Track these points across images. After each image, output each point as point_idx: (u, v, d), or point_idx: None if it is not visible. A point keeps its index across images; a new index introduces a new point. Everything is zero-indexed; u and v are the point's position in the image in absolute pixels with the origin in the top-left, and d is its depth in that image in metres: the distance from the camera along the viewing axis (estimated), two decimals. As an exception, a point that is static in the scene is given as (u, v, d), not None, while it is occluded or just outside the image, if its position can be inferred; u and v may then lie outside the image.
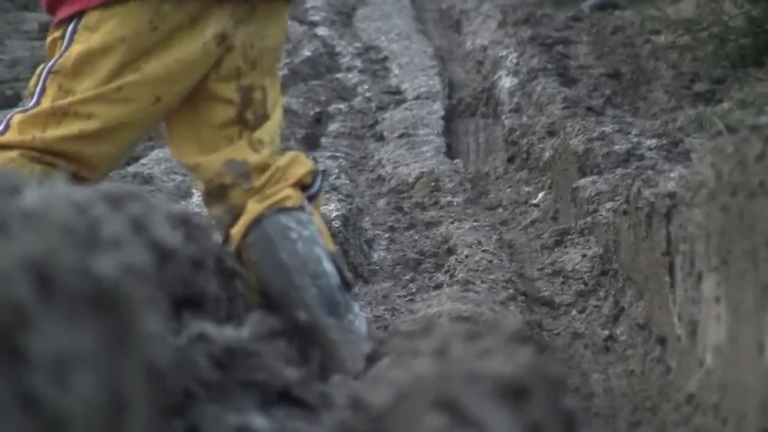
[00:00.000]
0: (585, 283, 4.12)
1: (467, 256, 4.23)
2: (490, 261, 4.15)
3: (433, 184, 5.56)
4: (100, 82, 2.68)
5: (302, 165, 2.90)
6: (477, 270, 4.03)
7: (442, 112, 6.97)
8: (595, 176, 4.76)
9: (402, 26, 9.56)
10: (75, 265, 0.97)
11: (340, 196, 4.96)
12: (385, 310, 4.04)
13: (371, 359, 1.54)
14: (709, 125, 5.39)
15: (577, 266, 4.27)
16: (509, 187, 5.80)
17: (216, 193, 2.83)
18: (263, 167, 2.82)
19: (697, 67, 6.70)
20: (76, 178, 2.66)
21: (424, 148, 6.20)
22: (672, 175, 3.43)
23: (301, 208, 2.84)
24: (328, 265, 2.80)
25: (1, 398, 0.88)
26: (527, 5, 8.96)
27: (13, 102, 6.23)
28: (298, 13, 9.80)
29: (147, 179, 5.05)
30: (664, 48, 7.16)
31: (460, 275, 3.99)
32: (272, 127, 2.87)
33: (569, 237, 4.64)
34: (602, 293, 3.96)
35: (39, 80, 2.73)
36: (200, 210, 4.38)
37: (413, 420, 1.19)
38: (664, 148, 4.95)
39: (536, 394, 1.22)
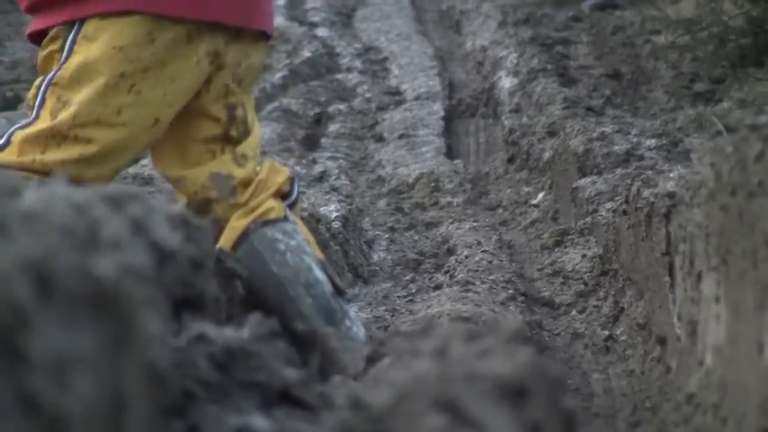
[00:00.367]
0: (585, 284, 4.12)
1: (467, 257, 4.23)
2: (490, 261, 4.15)
3: (432, 184, 5.56)
4: (97, 92, 2.68)
5: (279, 173, 2.92)
6: (476, 270, 4.03)
7: (442, 113, 6.97)
8: (595, 176, 4.76)
9: (402, 27, 9.56)
10: (75, 266, 0.97)
11: (340, 197, 4.96)
12: (385, 310, 4.04)
13: (371, 360, 1.54)
14: (709, 125, 5.39)
15: (577, 267, 4.27)
16: (509, 188, 5.80)
17: (199, 207, 2.83)
18: (247, 182, 2.84)
19: (697, 67, 6.69)
20: None
21: (424, 149, 6.20)
22: (671, 174, 3.43)
23: (285, 218, 2.85)
24: (319, 273, 2.81)
25: (1, 399, 0.88)
26: (527, 6, 8.95)
27: (13, 104, 6.22)
28: (298, 13, 9.80)
29: (148, 180, 5.05)
30: (663, 48, 7.16)
31: (460, 276, 3.99)
32: (254, 141, 2.90)
33: (569, 237, 4.64)
34: (601, 293, 3.96)
35: (38, 92, 2.74)
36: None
37: (413, 421, 1.19)
38: (663, 148, 4.95)
39: (536, 394, 1.22)
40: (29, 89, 2.83)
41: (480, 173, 6.18)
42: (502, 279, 3.96)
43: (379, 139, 6.61)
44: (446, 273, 4.22)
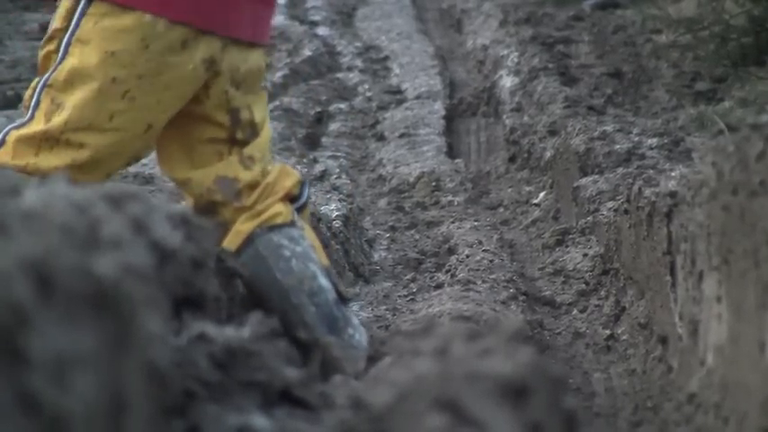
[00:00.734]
0: (587, 283, 4.12)
1: (468, 256, 4.23)
2: (491, 261, 4.15)
3: (433, 183, 5.56)
4: (89, 96, 2.67)
5: (289, 177, 2.90)
6: (478, 270, 4.03)
7: (443, 112, 6.96)
8: (596, 176, 4.76)
9: (403, 25, 9.56)
10: (76, 265, 0.97)
11: (341, 196, 4.96)
12: (386, 309, 4.04)
13: (372, 359, 1.54)
14: (711, 124, 5.38)
15: (578, 266, 4.27)
16: (510, 187, 5.80)
17: (205, 209, 2.83)
18: (253, 185, 2.82)
19: (698, 66, 6.69)
20: None
21: (425, 148, 6.19)
22: (673, 174, 3.43)
23: (292, 223, 2.83)
24: (324, 281, 2.80)
25: (1, 398, 0.87)
26: (528, 5, 8.95)
27: (13, 102, 6.22)
28: (298, 12, 9.80)
29: (148, 179, 5.05)
30: (665, 47, 7.15)
31: (461, 275, 3.99)
32: (263, 143, 2.87)
33: (570, 236, 4.63)
34: (603, 293, 3.96)
35: (33, 93, 2.73)
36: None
37: (413, 420, 1.18)
38: (665, 147, 4.95)
39: (537, 394, 1.22)
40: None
41: (481, 172, 6.17)
42: (503, 278, 3.95)
43: (380, 138, 6.61)
44: (447, 272, 4.22)
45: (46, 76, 2.71)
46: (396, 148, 6.27)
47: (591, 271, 4.17)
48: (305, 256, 2.80)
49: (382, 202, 5.50)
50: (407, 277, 4.43)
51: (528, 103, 6.54)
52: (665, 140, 5.04)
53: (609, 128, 5.27)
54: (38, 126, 2.69)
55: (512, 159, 6.14)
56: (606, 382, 3.37)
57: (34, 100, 2.72)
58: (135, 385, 1.03)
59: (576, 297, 4.06)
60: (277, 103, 6.66)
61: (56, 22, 2.74)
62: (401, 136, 6.49)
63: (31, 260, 0.93)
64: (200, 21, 2.70)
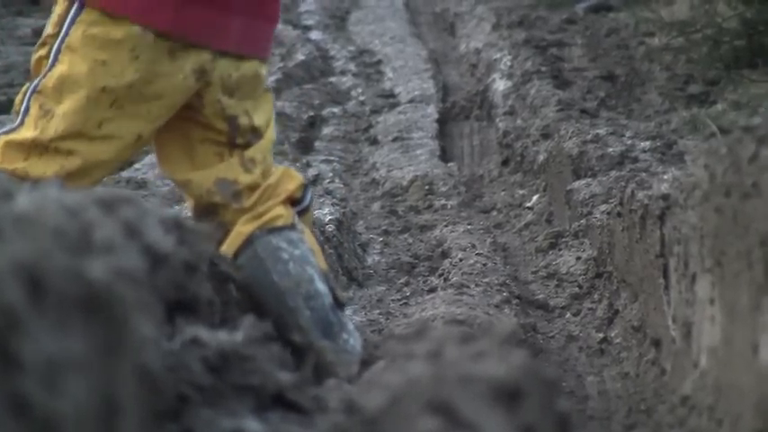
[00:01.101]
0: (580, 286, 4.12)
1: (461, 260, 4.23)
2: (484, 264, 4.15)
3: (427, 187, 5.56)
4: (78, 104, 2.67)
5: (292, 180, 2.89)
6: (471, 273, 4.03)
7: (436, 116, 6.97)
8: (589, 179, 4.76)
9: (396, 29, 9.56)
10: (68, 269, 0.97)
11: (334, 200, 4.95)
12: (379, 313, 4.03)
13: (366, 363, 1.54)
14: (703, 127, 5.39)
15: (572, 269, 4.27)
16: (503, 190, 5.80)
17: (205, 210, 2.83)
18: (253, 187, 2.81)
19: (691, 69, 6.70)
20: None
21: (418, 152, 6.19)
22: (666, 176, 3.43)
23: (292, 226, 2.83)
24: (321, 285, 2.80)
25: (-7, 403, 0.87)
26: (521, 8, 8.96)
27: (6, 107, 6.22)
28: (291, 17, 9.80)
29: (141, 184, 5.05)
30: (658, 50, 7.16)
31: (455, 279, 3.99)
32: (265, 145, 2.86)
33: (563, 239, 4.63)
34: (596, 296, 3.96)
35: (24, 98, 2.73)
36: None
37: (407, 423, 1.18)
38: (658, 150, 4.95)
39: (530, 397, 1.22)
40: (23, 94, 2.83)
41: (474, 175, 6.17)
42: (496, 282, 3.96)
43: (373, 141, 6.61)
44: (440, 276, 4.22)
45: (36, 81, 2.71)
46: (389, 152, 6.27)
47: (584, 274, 4.17)
48: (303, 260, 2.80)
49: (375, 206, 5.50)
50: (401, 281, 4.43)
51: (521, 106, 6.54)
52: (658, 143, 5.04)
53: (602, 131, 5.28)
54: (27, 132, 2.69)
55: (505, 163, 6.14)
56: (599, 384, 3.37)
57: (24, 105, 2.72)
58: (127, 389, 1.03)
59: (570, 300, 4.07)
60: (270, 107, 6.65)
61: (48, 28, 2.74)
62: (394, 140, 6.49)
63: (24, 264, 0.93)
64: (188, 34, 2.69)
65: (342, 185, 5.50)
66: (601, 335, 3.64)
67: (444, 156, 6.31)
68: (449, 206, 5.33)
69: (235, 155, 2.81)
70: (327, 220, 4.50)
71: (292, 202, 2.88)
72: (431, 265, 4.52)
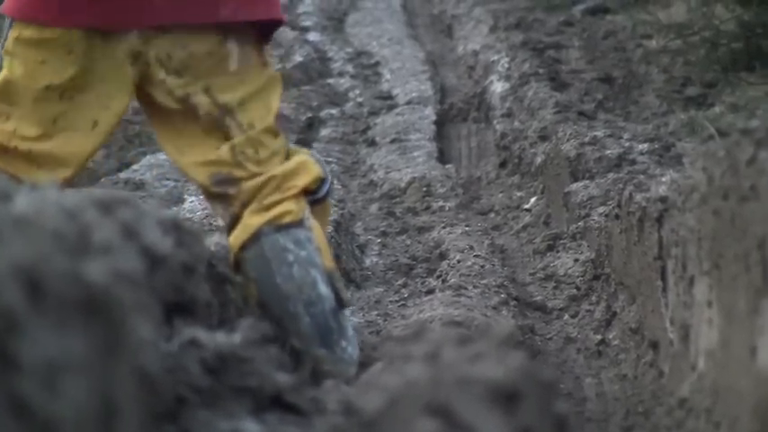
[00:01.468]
0: (578, 288, 4.12)
1: (459, 261, 4.23)
2: (482, 266, 4.15)
3: (424, 189, 5.56)
4: (28, 106, 2.69)
5: (308, 173, 2.84)
6: (469, 275, 4.03)
7: (434, 117, 6.96)
8: (587, 181, 4.76)
9: (393, 31, 9.56)
10: (66, 270, 0.97)
11: (332, 201, 4.95)
12: (377, 315, 4.03)
13: (364, 365, 1.54)
14: (701, 129, 5.39)
15: (569, 271, 4.27)
16: (501, 192, 5.80)
17: (211, 197, 2.84)
18: (249, 179, 2.78)
19: (689, 72, 6.70)
20: None
21: (416, 153, 6.19)
22: (663, 179, 3.43)
23: (301, 222, 2.79)
24: (323, 288, 2.77)
25: (-9, 404, 0.87)
26: (518, 10, 8.95)
27: None
28: (289, 18, 9.79)
29: (139, 185, 5.05)
30: (655, 52, 7.16)
31: (453, 280, 3.99)
32: (257, 136, 2.81)
33: (561, 241, 4.63)
34: (594, 298, 3.96)
35: None
36: (191, 215, 4.38)
37: (405, 425, 1.18)
38: (655, 152, 4.95)
39: (528, 399, 1.22)
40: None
41: (472, 177, 6.17)
42: (494, 283, 3.95)
43: (371, 143, 6.61)
44: (438, 277, 4.22)
45: None
46: (387, 154, 6.27)
47: (582, 276, 4.17)
48: (308, 262, 2.77)
49: (373, 208, 5.50)
50: (399, 282, 4.43)
51: (519, 108, 6.54)
52: (656, 146, 5.04)
53: (599, 133, 5.28)
54: None
55: (502, 165, 6.14)
56: (597, 387, 3.38)
57: None
58: (125, 391, 1.03)
59: (568, 302, 4.07)
60: (268, 108, 6.65)
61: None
62: (392, 141, 6.49)
63: (22, 266, 0.93)
64: (107, 22, 2.69)
65: (340, 187, 5.49)
66: (599, 337, 3.64)
67: (442, 157, 6.31)
68: (446, 208, 5.33)
69: (225, 147, 2.78)
70: (325, 221, 4.50)
71: (306, 192, 2.84)
72: (429, 267, 4.52)
